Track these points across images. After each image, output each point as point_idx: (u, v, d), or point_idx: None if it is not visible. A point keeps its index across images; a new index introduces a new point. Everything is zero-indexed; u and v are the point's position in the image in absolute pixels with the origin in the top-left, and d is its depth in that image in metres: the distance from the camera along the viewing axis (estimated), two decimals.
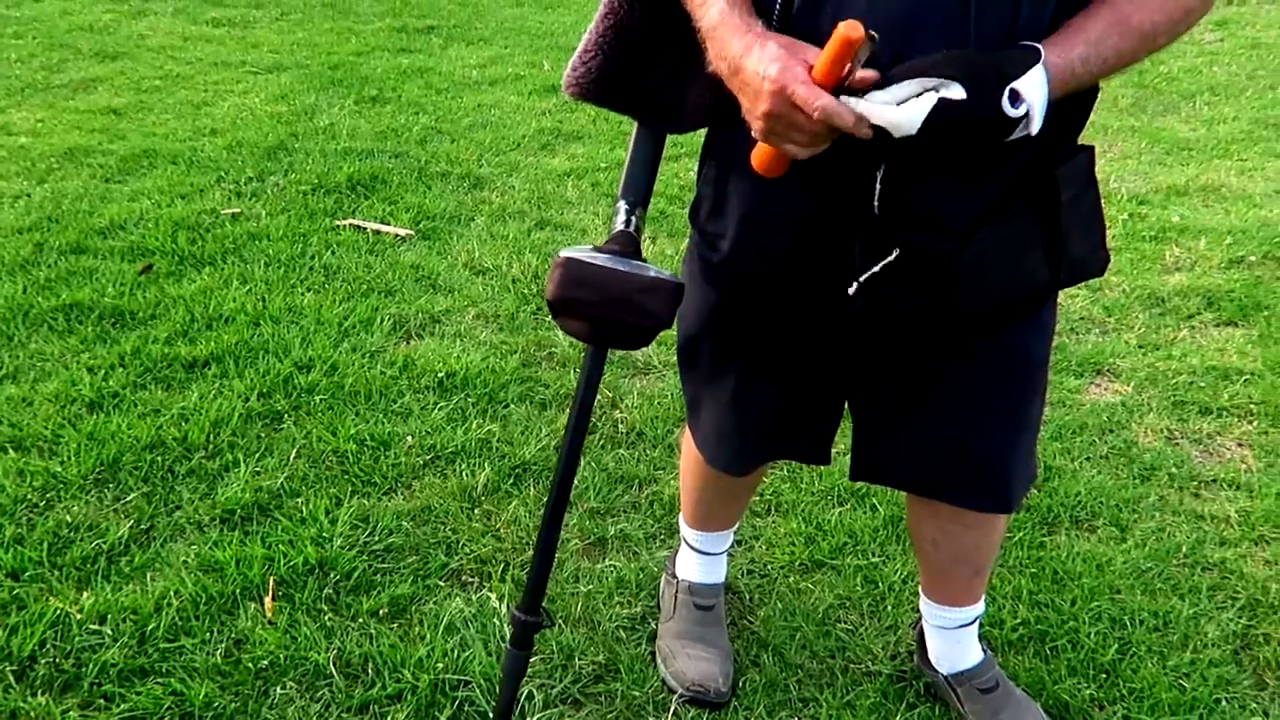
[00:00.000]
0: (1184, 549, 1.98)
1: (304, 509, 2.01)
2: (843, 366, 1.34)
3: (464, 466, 2.16)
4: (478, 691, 1.62)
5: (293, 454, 2.17)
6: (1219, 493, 2.15)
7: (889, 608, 1.83)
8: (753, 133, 1.07)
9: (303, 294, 2.85)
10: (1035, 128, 1.02)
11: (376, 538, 1.95)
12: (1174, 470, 2.21)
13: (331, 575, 1.85)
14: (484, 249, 3.18)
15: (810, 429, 1.41)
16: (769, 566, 1.93)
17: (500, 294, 2.91)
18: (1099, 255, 1.21)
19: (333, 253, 3.10)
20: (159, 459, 2.13)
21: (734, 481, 1.55)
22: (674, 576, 1.78)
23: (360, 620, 1.76)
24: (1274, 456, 2.27)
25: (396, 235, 3.25)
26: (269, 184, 3.63)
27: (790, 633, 1.77)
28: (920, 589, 1.62)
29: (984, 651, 1.61)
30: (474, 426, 2.29)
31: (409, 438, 2.24)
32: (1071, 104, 1.11)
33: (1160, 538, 2.01)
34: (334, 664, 1.66)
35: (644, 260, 1.22)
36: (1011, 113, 1.00)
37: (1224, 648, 1.75)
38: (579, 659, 1.70)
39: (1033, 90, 1.01)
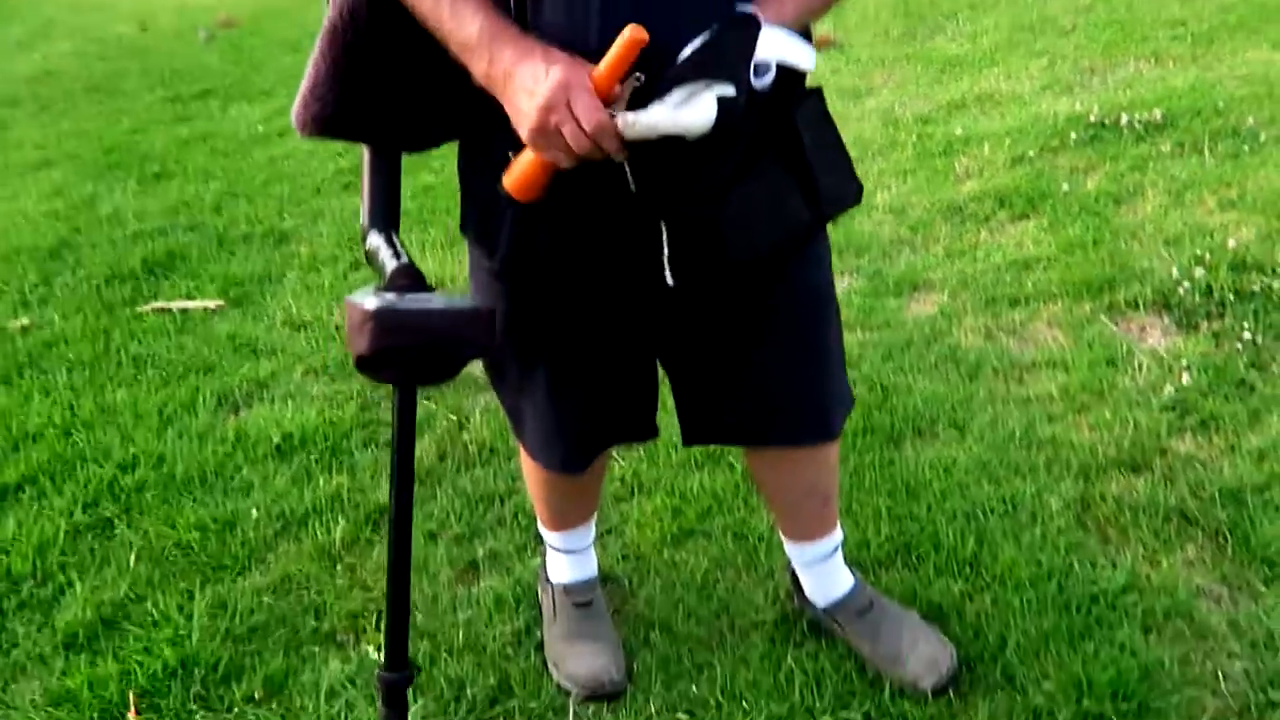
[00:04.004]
0: (1017, 433, 2.09)
1: (154, 611, 1.89)
2: (644, 339, 1.35)
3: (318, 526, 2.08)
4: None
5: (132, 558, 2.04)
6: (1039, 374, 2.29)
7: (762, 557, 1.87)
8: (522, 136, 1.06)
9: (114, 391, 2.68)
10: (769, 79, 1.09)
11: (238, 621, 1.85)
12: (996, 364, 2.34)
13: (197, 672, 1.75)
14: (300, 303, 3.08)
15: (630, 409, 1.42)
16: (641, 547, 1.94)
17: (325, 345, 2.82)
18: (852, 186, 1.26)
19: (139, 342, 2.94)
20: None
21: (575, 479, 1.54)
22: (548, 581, 1.77)
23: (236, 710, 1.67)
24: (1080, 330, 2.42)
25: (206, 309, 3.11)
26: (57, 286, 3.41)
27: (674, 605, 1.79)
28: (780, 533, 1.66)
29: (853, 576, 1.66)
30: (321, 483, 2.21)
31: (254, 511, 2.14)
32: None
33: (995, 428, 2.12)
34: None
35: (434, 289, 1.20)
36: (759, 84, 1.08)
37: (1067, 515, 1.86)
38: (470, 687, 1.66)
39: (773, 51, 1.07)
